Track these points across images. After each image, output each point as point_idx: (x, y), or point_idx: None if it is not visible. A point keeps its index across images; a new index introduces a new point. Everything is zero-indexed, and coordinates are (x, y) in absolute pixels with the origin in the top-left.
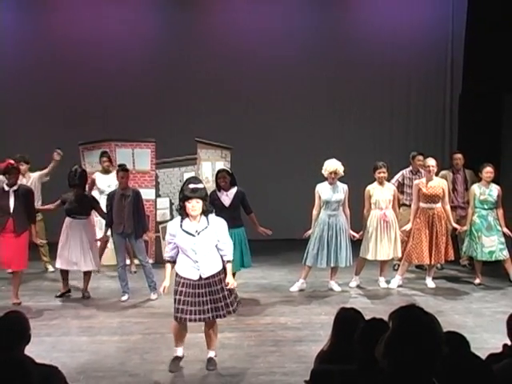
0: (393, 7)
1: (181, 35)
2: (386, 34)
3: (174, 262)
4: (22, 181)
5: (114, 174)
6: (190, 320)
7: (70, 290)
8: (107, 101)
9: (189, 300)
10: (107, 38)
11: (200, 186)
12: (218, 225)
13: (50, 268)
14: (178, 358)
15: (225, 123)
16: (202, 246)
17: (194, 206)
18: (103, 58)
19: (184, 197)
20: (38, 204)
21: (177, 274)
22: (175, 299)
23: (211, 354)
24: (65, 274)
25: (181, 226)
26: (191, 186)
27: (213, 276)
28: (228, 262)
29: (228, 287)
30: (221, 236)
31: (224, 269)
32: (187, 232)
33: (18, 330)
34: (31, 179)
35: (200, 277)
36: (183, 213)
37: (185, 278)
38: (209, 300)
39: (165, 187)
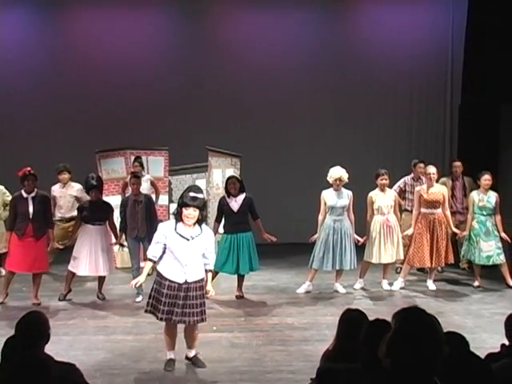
0: (395, 22)
1: (193, 48)
2: (388, 48)
3: (154, 262)
4: (63, 189)
5: (145, 179)
6: (164, 319)
7: (71, 290)
8: (122, 111)
9: (169, 302)
10: (122, 51)
11: (200, 195)
12: (208, 234)
13: None
14: (172, 360)
15: (235, 132)
16: (193, 251)
17: (191, 213)
18: (118, 70)
19: (183, 203)
20: (70, 212)
21: (160, 275)
22: (159, 300)
23: (192, 352)
24: (71, 277)
25: (175, 228)
26: (191, 194)
27: (195, 282)
28: (209, 271)
29: (208, 295)
30: (209, 245)
31: (206, 278)
32: (182, 236)
33: (38, 329)
34: (73, 189)
35: (185, 281)
36: (178, 217)
37: (170, 281)
38: (182, 304)
39: (177, 193)
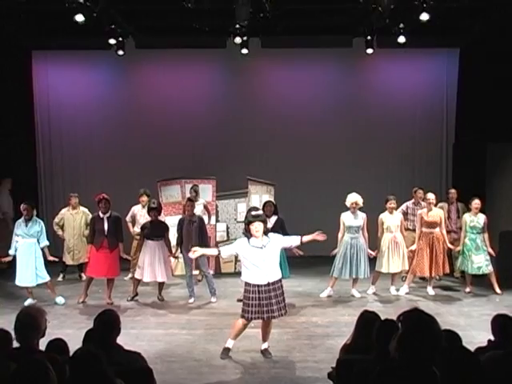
0: (399, 76)
1: (237, 96)
2: (394, 97)
3: (218, 254)
4: (143, 209)
5: (199, 203)
6: (262, 318)
7: (138, 294)
8: (178, 148)
9: (259, 303)
10: (178, 99)
11: (260, 212)
12: (276, 236)
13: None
14: (228, 349)
15: (270, 165)
16: (268, 256)
17: (257, 227)
18: (174, 115)
19: (249, 222)
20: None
21: (246, 283)
22: (247, 303)
23: (265, 345)
24: (137, 283)
25: (249, 242)
26: (253, 212)
27: (276, 282)
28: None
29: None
30: (282, 239)
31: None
32: (255, 246)
33: (111, 324)
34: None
35: (268, 282)
36: (248, 234)
37: (255, 285)
38: (275, 301)
39: (222, 215)
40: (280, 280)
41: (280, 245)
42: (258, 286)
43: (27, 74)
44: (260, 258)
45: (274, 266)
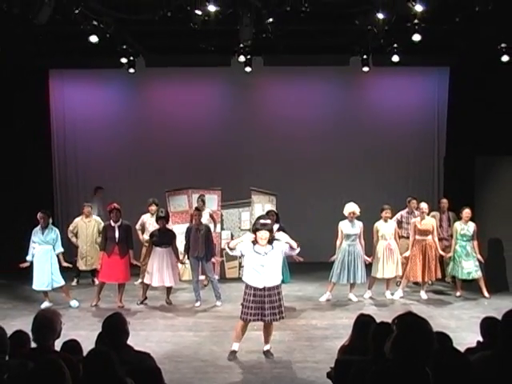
0: (395, 94)
1: (239, 111)
2: (391, 114)
3: (229, 248)
4: (152, 218)
5: (205, 212)
6: (254, 320)
7: (147, 298)
8: (186, 160)
9: (253, 305)
10: (186, 114)
11: (268, 221)
12: (279, 244)
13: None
14: (234, 352)
15: (271, 176)
16: (268, 263)
17: (263, 235)
18: (182, 129)
19: (256, 229)
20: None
21: (246, 285)
22: (243, 304)
23: (267, 347)
24: (146, 287)
25: (253, 248)
26: (261, 221)
27: (273, 288)
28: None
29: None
30: (284, 245)
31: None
32: (258, 252)
33: (118, 326)
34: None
35: (264, 287)
36: (254, 241)
37: (251, 287)
38: (269, 307)
39: (227, 223)
40: (278, 287)
41: (282, 251)
42: (254, 288)
43: (44, 91)
44: (260, 263)
45: (272, 272)
